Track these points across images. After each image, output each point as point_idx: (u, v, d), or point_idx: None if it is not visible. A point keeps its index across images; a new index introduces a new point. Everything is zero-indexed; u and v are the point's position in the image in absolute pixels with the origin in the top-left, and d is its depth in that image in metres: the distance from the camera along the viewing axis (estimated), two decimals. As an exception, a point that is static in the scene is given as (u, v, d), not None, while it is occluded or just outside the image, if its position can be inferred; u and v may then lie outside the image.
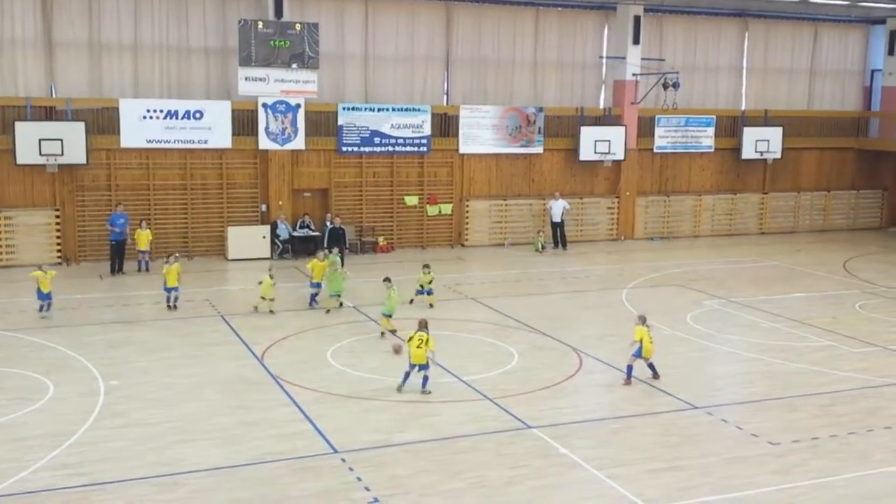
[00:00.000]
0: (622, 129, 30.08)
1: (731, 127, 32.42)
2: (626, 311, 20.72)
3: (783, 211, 33.43)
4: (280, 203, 26.71)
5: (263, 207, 26.80)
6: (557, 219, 29.03)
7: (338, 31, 27.85)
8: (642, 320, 15.66)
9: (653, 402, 14.56)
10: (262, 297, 19.88)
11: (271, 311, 19.77)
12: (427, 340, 14.47)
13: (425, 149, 28.31)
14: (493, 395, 14.66)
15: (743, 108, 33.10)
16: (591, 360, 16.80)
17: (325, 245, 24.16)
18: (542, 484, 11.41)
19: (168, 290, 19.95)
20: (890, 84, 34.17)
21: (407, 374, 14.68)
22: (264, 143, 26.41)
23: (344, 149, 27.49)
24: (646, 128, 31.00)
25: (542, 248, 28.61)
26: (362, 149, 27.66)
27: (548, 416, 13.78)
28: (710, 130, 31.82)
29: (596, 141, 29.75)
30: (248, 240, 26.08)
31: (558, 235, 29.14)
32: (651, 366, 15.56)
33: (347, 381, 15.37)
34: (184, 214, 26.12)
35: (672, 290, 23.01)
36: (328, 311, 19.95)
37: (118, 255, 23.95)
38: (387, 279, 18.73)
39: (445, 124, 28.90)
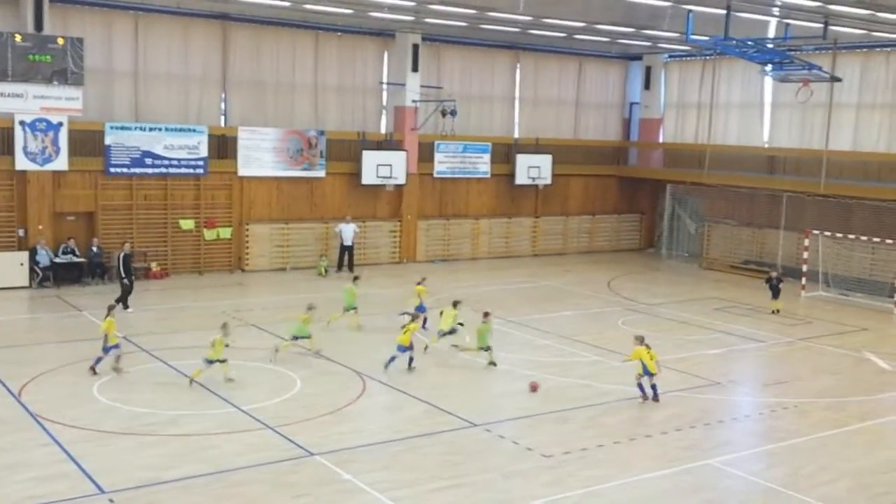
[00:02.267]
0: (403, 153, 30.57)
1: (505, 154, 33.81)
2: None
3: (553, 234, 35.21)
4: (40, 227, 24.87)
5: (21, 232, 24.84)
6: (348, 242, 28.98)
7: (105, 46, 26.47)
8: (640, 340, 16.11)
9: (434, 421, 14.75)
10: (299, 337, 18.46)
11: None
12: (411, 329, 17.45)
13: (202, 171, 27.38)
14: (274, 423, 14.29)
15: (516, 136, 34.65)
16: (375, 384, 16.80)
17: (123, 274, 22.11)
18: (325, 511, 11.22)
19: None
20: (646, 116, 37.03)
21: (392, 358, 17.31)
22: (22, 163, 24.52)
23: (112, 170, 26.04)
24: (426, 153, 31.69)
25: (326, 271, 28.41)
26: (133, 170, 26.32)
27: (331, 441, 13.60)
28: (487, 157, 33.02)
29: (378, 165, 30.03)
30: (4, 267, 24.06)
31: (345, 259, 29.08)
32: (654, 387, 15.94)
33: (117, 416, 14.44)
34: (-72, 240, 23.72)
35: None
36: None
37: None
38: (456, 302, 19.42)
39: (223, 146, 28.12)
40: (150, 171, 26.56)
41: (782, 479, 12.80)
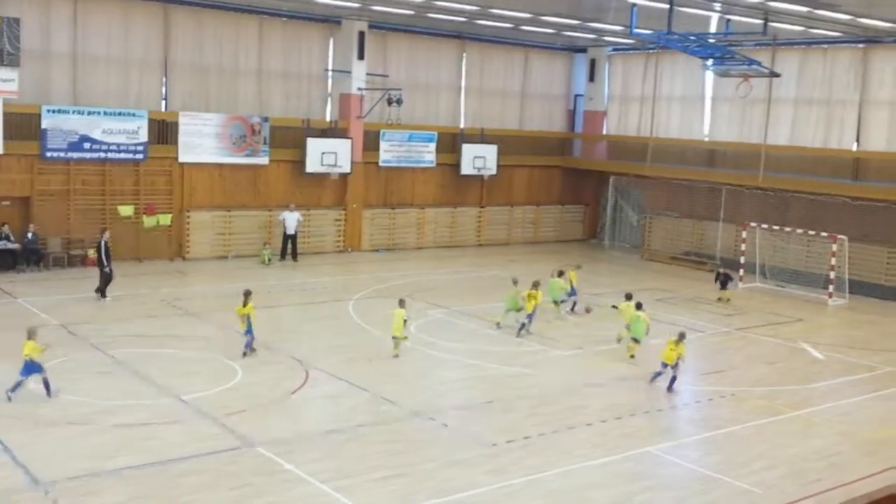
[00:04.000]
0: (348, 142, 30.39)
1: (451, 143, 33.83)
2: (354, 322, 20.90)
3: (498, 223, 35.36)
4: (-26, 212, 24.21)
5: (-47, 217, 24.15)
6: (291, 231, 28.73)
7: (43, 27, 25.78)
8: (682, 337, 16.72)
9: (378, 410, 14.75)
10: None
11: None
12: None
13: (141, 156, 26.87)
14: (215, 413, 14.14)
15: (462, 126, 34.68)
16: (318, 373, 16.71)
17: (105, 262, 21.46)
18: (267, 502, 11.14)
19: None
20: (590, 108, 37.36)
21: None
22: (-46, 145, 23.80)
23: (48, 154, 25.41)
24: (371, 141, 31.54)
25: (269, 260, 28.15)
26: (70, 154, 25.72)
27: (272, 431, 13.51)
28: (432, 146, 33.00)
29: (323, 153, 29.81)
30: (-65, 253, 23.36)
31: (289, 247, 28.85)
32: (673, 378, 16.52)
33: (53, 405, 14.13)
34: None
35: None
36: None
37: None
38: (515, 280, 20.72)
39: (164, 131, 27.61)
40: (87, 155, 25.98)
41: (719, 466, 13.08)
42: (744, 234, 28.53)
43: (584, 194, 37.57)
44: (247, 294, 17.58)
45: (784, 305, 25.21)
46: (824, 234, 26.78)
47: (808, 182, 28.74)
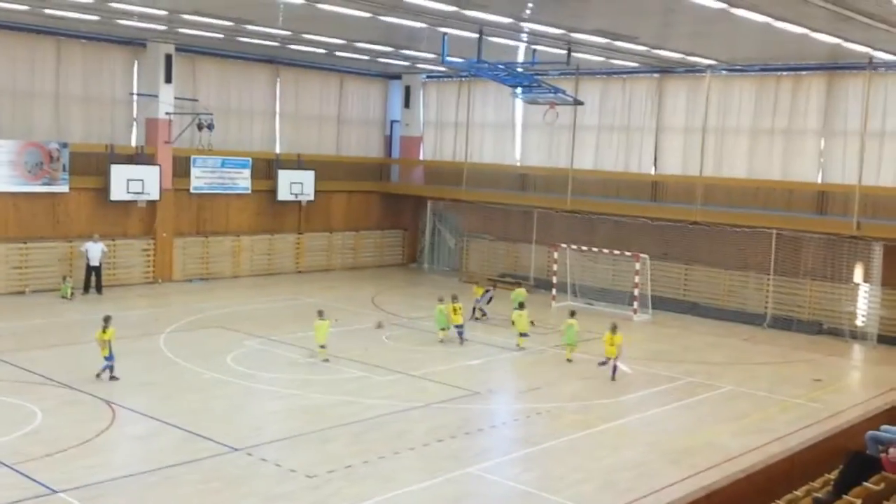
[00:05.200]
0: (157, 168, 29.18)
1: (266, 169, 33.21)
2: (166, 356, 19.97)
3: (318, 250, 34.99)
4: None
5: None
6: (95, 262, 27.17)
7: None
8: (614, 328, 19.82)
9: (192, 448, 14.10)
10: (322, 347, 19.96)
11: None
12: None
13: (-76, 186, 24.70)
14: (10, 460, 13.04)
15: (277, 151, 34.15)
16: (126, 412, 15.82)
17: None
18: (69, 554, 10.35)
19: None
20: (407, 134, 37.80)
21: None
22: None
23: None
24: (182, 168, 30.43)
25: (72, 294, 26.48)
26: None
27: (77, 477, 12.61)
28: (247, 172, 32.26)
29: (129, 180, 28.45)
30: None
31: (93, 280, 27.26)
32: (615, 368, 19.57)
33: None
34: None
35: (212, 332, 22.73)
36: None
37: None
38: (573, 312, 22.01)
39: (-50, 158, 25.51)
40: None
41: (537, 482, 13.39)
42: (555, 255, 29.65)
43: (403, 219, 37.86)
44: (106, 319, 17.92)
45: (594, 322, 26.20)
46: (628, 253, 28.26)
47: (611, 204, 30.29)
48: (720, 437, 15.95)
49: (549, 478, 13.61)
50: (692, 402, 18.36)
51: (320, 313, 20.49)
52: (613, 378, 19.58)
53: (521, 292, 25.10)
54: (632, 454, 14.86)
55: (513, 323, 22.87)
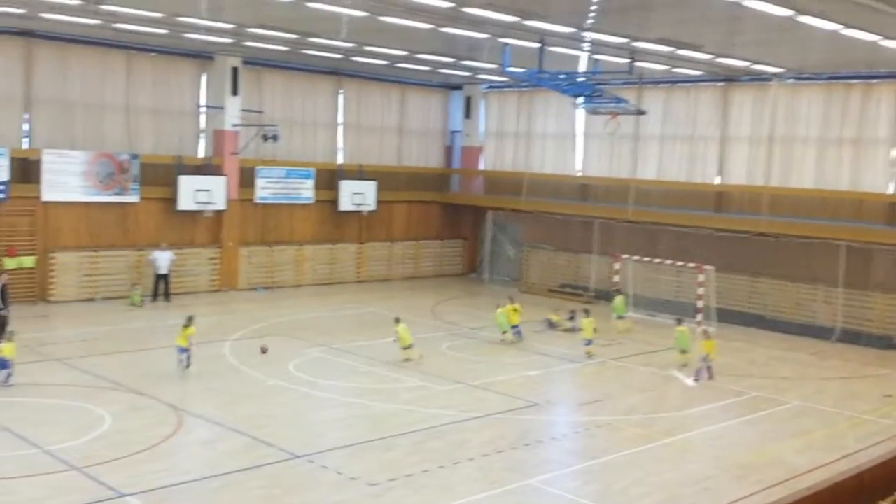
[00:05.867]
0: (223, 178, 29.77)
1: (329, 180, 33.59)
2: (229, 363, 20.31)
3: (378, 259, 35.23)
4: None
5: None
6: (164, 271, 27.80)
7: None
8: (706, 335, 20.75)
9: (255, 455, 14.31)
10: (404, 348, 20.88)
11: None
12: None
13: (2, 196, 25.53)
14: (80, 463, 13.40)
15: (339, 162, 34.54)
16: (192, 418, 16.13)
17: (3, 306, 21.05)
18: (136, 556, 10.59)
19: None
20: (467, 144, 37.90)
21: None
22: None
23: None
24: (247, 178, 30.98)
25: (140, 301, 27.12)
26: (-78, 195, 24.23)
27: (143, 481, 12.89)
28: (310, 182, 32.69)
29: (196, 190, 29.07)
30: None
31: (161, 288, 27.89)
32: (710, 368, 20.36)
33: None
34: None
35: (276, 340, 23.01)
36: None
37: None
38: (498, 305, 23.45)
39: (26, 169, 26.36)
40: (-59, 195, 24.55)
41: (598, 496, 13.26)
42: (616, 266, 29.37)
43: (463, 229, 37.93)
44: (189, 319, 19.60)
45: (656, 335, 25.94)
46: (691, 264, 27.86)
47: (675, 215, 29.90)
48: (786, 453, 15.61)
49: (610, 491, 13.47)
50: (757, 417, 17.99)
51: (397, 320, 21.61)
52: (710, 377, 20.39)
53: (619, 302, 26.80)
54: (695, 469, 14.63)
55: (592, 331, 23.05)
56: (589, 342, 22.71)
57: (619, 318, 26.48)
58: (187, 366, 19.12)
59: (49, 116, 27.39)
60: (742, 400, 19.20)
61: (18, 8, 22.19)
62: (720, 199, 30.78)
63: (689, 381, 20.26)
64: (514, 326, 23.81)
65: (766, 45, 23.08)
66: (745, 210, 29.26)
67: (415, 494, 12.91)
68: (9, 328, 20.10)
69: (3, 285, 21.42)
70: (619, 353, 23.41)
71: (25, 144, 27.00)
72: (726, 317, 27.77)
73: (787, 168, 28.92)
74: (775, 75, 27.84)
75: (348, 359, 21.26)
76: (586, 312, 23.65)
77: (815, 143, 28.53)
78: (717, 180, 30.99)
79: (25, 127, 27.10)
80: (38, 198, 26.41)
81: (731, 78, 29.66)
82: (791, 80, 28.35)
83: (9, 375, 17.59)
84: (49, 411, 16.09)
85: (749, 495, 13.29)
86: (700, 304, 27.03)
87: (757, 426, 17.36)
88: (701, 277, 27.08)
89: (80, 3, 20.51)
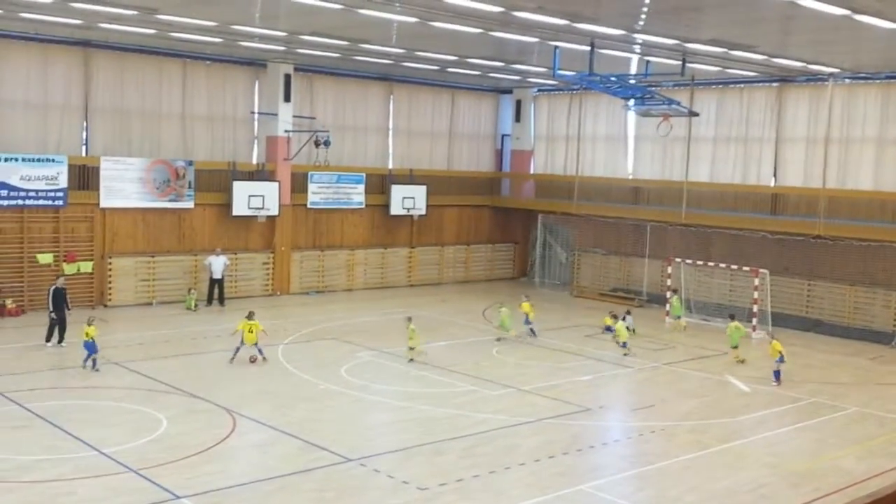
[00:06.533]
0: (276, 184, 30.14)
1: (380, 184, 33.81)
2: (283, 367, 20.54)
3: (429, 264, 35.35)
4: None
5: None
6: (218, 275, 28.25)
7: (-44, 71, 25.08)
8: (771, 336, 21.35)
9: (307, 458, 14.45)
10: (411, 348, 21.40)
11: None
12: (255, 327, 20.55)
13: (61, 202, 26.20)
14: (137, 465, 13.67)
15: (390, 166, 34.73)
16: (246, 420, 16.34)
17: (51, 308, 21.72)
18: (192, 557, 10.76)
19: None
20: (517, 148, 37.83)
21: (237, 349, 20.41)
22: None
23: (-36, 202, 24.61)
24: (299, 184, 31.33)
25: (196, 305, 27.58)
26: (-13, 202, 24.94)
27: (198, 483, 13.09)
28: (361, 187, 32.93)
29: (249, 196, 29.49)
30: None
31: (216, 292, 28.34)
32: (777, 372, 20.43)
33: (-37, 464, 13.51)
34: None
35: (327, 344, 23.25)
36: None
37: None
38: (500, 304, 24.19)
39: (84, 176, 27.01)
40: (5, 203, 25.22)
41: (651, 502, 13.12)
42: (669, 270, 29.05)
43: (514, 233, 37.85)
44: (250, 315, 20.95)
45: (710, 339, 25.61)
46: (746, 268, 27.43)
47: (728, 218, 29.48)
48: (844, 460, 15.29)
49: (663, 498, 13.32)
50: (815, 423, 17.65)
51: (409, 319, 22.27)
52: (777, 381, 20.43)
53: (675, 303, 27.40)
54: (750, 476, 14.39)
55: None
56: (624, 344, 23.01)
57: (677, 317, 26.61)
58: (263, 358, 20.57)
59: (107, 124, 28.02)
60: (799, 406, 18.85)
61: (77, 19, 22.73)
62: (775, 201, 30.25)
63: (744, 387, 19.94)
64: (528, 322, 24.63)
65: (822, 45, 22.63)
66: (801, 212, 28.73)
67: (466, 499, 12.91)
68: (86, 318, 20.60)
69: (64, 289, 21.96)
70: (673, 357, 23.15)
71: (84, 152, 27.65)
72: (782, 321, 27.28)
73: (845, 169, 28.32)
74: (831, 75, 27.30)
75: (399, 363, 21.35)
76: (615, 318, 24.24)
77: (873, 143, 27.90)
78: (772, 182, 30.48)
79: (84, 135, 27.77)
80: (96, 204, 27.03)
81: (785, 78, 29.16)
82: (848, 80, 27.79)
83: (95, 361, 19.11)
84: (107, 414, 16.44)
85: (806, 503, 13.03)
86: (755, 307, 26.60)
87: (814, 432, 17.02)
88: (756, 281, 26.65)
89: (136, 13, 20.94)
